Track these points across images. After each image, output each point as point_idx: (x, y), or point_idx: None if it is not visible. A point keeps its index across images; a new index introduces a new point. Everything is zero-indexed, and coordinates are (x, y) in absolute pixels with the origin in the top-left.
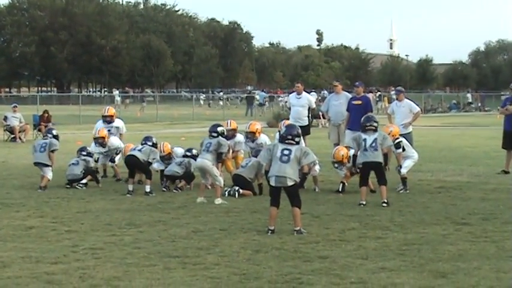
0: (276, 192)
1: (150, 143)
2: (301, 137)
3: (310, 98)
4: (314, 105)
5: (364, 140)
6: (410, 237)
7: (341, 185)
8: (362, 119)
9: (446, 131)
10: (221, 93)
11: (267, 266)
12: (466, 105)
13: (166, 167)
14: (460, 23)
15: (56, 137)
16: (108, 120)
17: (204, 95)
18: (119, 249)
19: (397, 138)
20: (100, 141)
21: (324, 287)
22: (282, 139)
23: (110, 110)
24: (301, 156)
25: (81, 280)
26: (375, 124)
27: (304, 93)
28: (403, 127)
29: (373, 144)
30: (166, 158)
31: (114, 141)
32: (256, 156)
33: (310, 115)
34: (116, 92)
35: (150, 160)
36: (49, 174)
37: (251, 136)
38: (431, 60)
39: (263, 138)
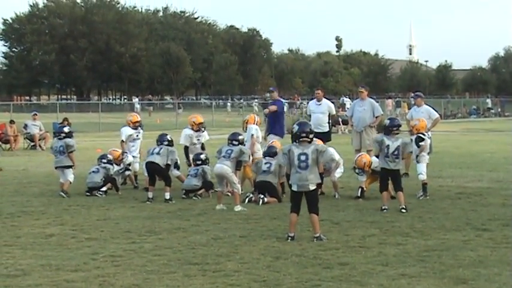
0: (298, 197)
1: (166, 142)
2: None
3: (331, 105)
4: (334, 112)
5: (387, 146)
6: (430, 243)
7: (360, 190)
8: (388, 122)
9: (466, 137)
10: (256, 100)
11: (287, 272)
12: (486, 111)
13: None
14: (480, 29)
15: (69, 134)
16: (136, 126)
17: (230, 102)
18: (139, 256)
19: (421, 133)
20: (116, 162)
21: None
22: (296, 138)
23: (137, 117)
24: (318, 156)
25: None
26: (400, 129)
27: (324, 99)
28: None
29: (395, 153)
30: (195, 164)
31: (130, 158)
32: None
33: (330, 121)
34: (135, 100)
35: (169, 162)
36: (70, 177)
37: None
38: (451, 65)
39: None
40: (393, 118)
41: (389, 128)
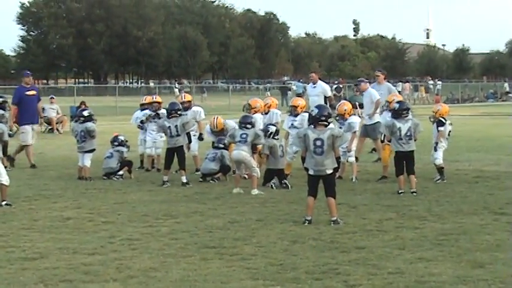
0: (315, 181)
1: (179, 111)
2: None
3: (325, 87)
4: (329, 94)
5: (399, 128)
6: (447, 227)
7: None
8: (397, 105)
9: (484, 121)
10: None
11: (304, 256)
12: (503, 95)
13: (215, 140)
14: (497, 12)
15: (88, 118)
16: (145, 108)
17: (269, 86)
18: (156, 240)
19: (443, 117)
20: (153, 106)
21: (361, 277)
22: (315, 121)
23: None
24: (334, 142)
25: (118, 271)
26: (410, 112)
27: (319, 82)
28: (368, 118)
29: (408, 134)
30: (219, 133)
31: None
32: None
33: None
34: (176, 85)
35: (187, 131)
36: (87, 162)
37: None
38: (468, 49)
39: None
40: (402, 101)
41: (399, 112)
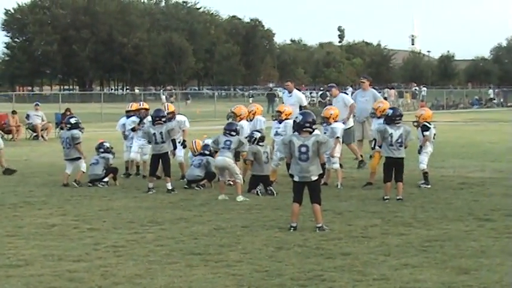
0: (300, 187)
1: (164, 118)
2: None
3: (300, 96)
4: (305, 103)
5: (391, 134)
6: (433, 233)
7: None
8: (391, 111)
9: (469, 127)
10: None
11: (290, 263)
12: (488, 101)
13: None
14: (482, 19)
15: (75, 125)
16: (131, 115)
17: (253, 92)
18: (141, 246)
19: (427, 121)
20: (141, 113)
21: (347, 284)
22: (299, 127)
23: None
24: (319, 148)
25: (103, 278)
26: (402, 119)
27: (294, 91)
28: (343, 122)
29: (399, 140)
30: (200, 154)
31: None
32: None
33: None
34: (162, 92)
35: (172, 137)
36: (82, 166)
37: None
38: (453, 56)
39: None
40: (395, 108)
41: (392, 118)
